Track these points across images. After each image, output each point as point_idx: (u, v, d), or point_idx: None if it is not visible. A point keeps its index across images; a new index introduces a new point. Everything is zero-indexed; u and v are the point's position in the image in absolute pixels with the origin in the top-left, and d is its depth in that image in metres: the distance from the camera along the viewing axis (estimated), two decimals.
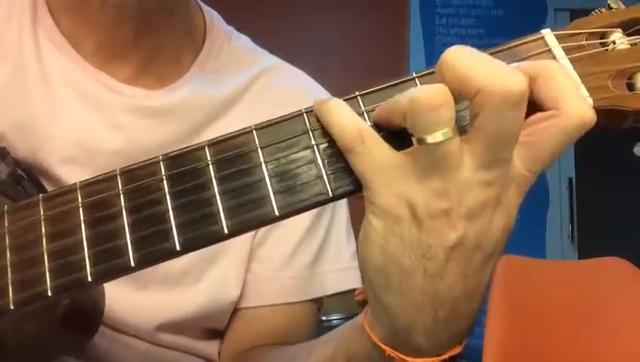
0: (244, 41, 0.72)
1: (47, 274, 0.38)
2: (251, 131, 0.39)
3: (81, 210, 0.39)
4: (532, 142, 0.35)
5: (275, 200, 0.37)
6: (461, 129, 0.35)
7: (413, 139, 0.34)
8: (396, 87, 0.39)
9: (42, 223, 0.39)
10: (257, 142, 0.38)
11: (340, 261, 0.70)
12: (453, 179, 0.34)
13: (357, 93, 0.39)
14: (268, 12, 3.06)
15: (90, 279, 0.37)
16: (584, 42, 0.39)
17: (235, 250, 0.65)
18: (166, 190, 0.38)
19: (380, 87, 0.39)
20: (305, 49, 2.84)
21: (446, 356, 0.38)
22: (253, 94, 0.67)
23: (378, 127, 0.38)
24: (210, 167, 0.38)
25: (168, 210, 0.37)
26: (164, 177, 0.38)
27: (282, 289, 0.67)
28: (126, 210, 0.38)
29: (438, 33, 3.25)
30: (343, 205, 0.72)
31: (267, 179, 0.37)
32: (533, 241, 3.06)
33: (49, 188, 0.57)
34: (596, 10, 0.40)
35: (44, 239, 0.39)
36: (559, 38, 0.39)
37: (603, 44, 0.39)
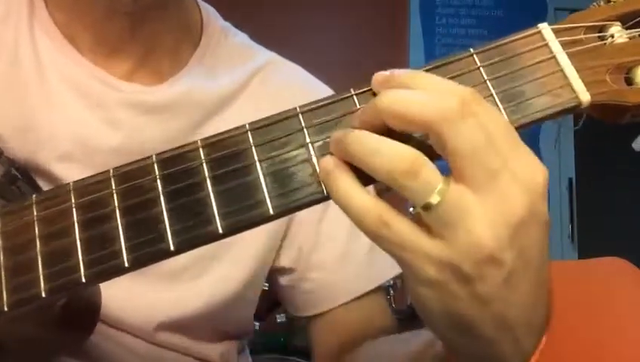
0: (240, 37, 0.72)
1: (41, 276, 0.38)
2: (246, 130, 0.38)
3: (74, 210, 0.38)
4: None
5: (270, 200, 0.37)
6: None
7: (415, 210, 0.34)
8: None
9: (36, 224, 0.39)
10: (252, 141, 0.38)
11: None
12: (475, 221, 0.33)
13: (352, 91, 0.39)
14: (267, 11, 3.06)
15: (84, 281, 0.37)
16: (582, 36, 0.38)
17: (238, 247, 0.64)
18: (160, 190, 0.38)
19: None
20: (304, 48, 2.83)
21: (537, 352, 0.38)
22: (253, 90, 0.67)
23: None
24: (204, 166, 0.38)
25: (162, 211, 0.37)
26: (157, 177, 0.38)
27: (350, 285, 0.68)
28: (120, 210, 0.38)
29: (438, 33, 3.25)
30: None
31: (262, 179, 0.37)
32: None
33: (46, 186, 0.56)
34: (595, 3, 0.40)
35: (37, 240, 0.38)
36: (556, 32, 0.39)
37: (601, 38, 0.38)
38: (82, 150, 0.58)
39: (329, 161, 0.36)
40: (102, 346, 0.59)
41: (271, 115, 0.39)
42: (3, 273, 0.38)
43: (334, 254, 0.68)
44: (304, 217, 0.66)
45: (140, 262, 0.37)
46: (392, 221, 0.35)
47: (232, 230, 0.37)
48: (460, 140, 0.33)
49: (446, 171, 0.34)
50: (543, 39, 0.39)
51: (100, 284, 0.47)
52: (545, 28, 0.39)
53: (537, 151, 3.22)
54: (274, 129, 0.38)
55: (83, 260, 0.37)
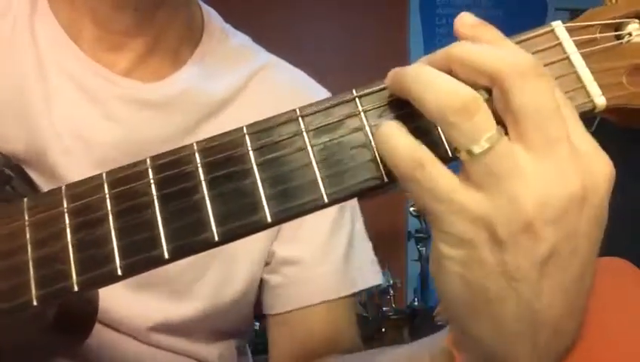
0: (240, 38, 0.72)
1: (33, 283, 0.37)
2: (243, 132, 0.37)
3: (66, 215, 0.38)
4: None
5: (268, 206, 0.35)
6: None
7: (460, 154, 0.32)
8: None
9: (27, 229, 0.38)
10: (249, 144, 0.37)
11: (366, 253, 0.71)
12: (522, 180, 0.31)
13: (355, 93, 0.37)
14: (267, 11, 3.05)
15: (76, 289, 0.36)
16: (597, 35, 0.37)
17: (235, 249, 0.64)
18: (154, 195, 0.37)
19: (379, 87, 0.38)
20: (304, 49, 2.83)
21: None
22: (251, 91, 0.67)
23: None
24: (200, 170, 0.37)
25: (157, 216, 0.36)
26: (152, 181, 0.37)
27: (321, 287, 0.66)
28: (113, 215, 0.37)
29: (438, 33, 3.25)
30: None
31: (259, 183, 0.36)
32: None
33: (47, 181, 0.57)
34: (610, 0, 0.38)
35: (29, 246, 0.38)
36: (570, 31, 0.37)
37: (618, 37, 0.37)
38: (82, 144, 0.58)
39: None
40: (98, 347, 0.59)
41: (269, 117, 0.37)
42: None
43: (311, 252, 0.67)
44: None
45: (132, 269, 0.36)
46: (429, 164, 0.32)
47: (228, 238, 0.36)
48: (526, 98, 0.31)
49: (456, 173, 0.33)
50: (556, 38, 0.37)
51: None
52: (558, 26, 0.37)
53: None
54: (273, 131, 0.37)
55: (75, 267, 0.36)
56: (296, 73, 0.74)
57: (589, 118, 0.36)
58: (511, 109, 0.31)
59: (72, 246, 0.37)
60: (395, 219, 2.97)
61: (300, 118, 0.37)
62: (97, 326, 0.56)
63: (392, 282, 2.36)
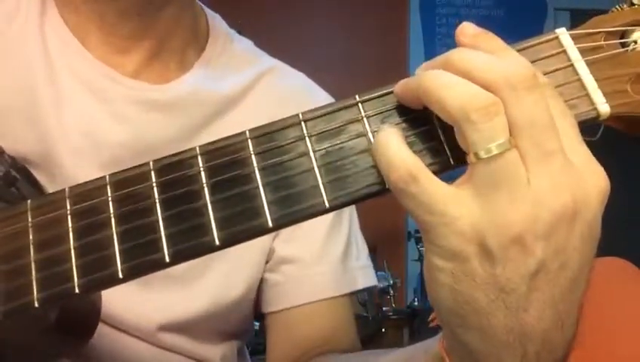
0: (245, 42, 0.73)
1: (34, 284, 0.37)
2: (245, 137, 0.37)
3: (69, 217, 0.38)
4: None
5: (269, 211, 0.35)
6: None
7: (469, 156, 0.32)
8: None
9: (30, 230, 0.38)
10: (251, 149, 0.37)
11: (362, 257, 0.71)
12: (520, 194, 0.31)
13: (357, 98, 0.37)
14: (267, 11, 3.05)
15: (77, 291, 0.36)
16: (602, 42, 0.36)
17: (239, 246, 0.64)
18: (156, 198, 0.37)
19: (382, 92, 0.37)
20: (305, 49, 2.83)
21: None
22: (256, 94, 0.68)
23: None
24: (202, 174, 0.37)
25: (158, 220, 0.36)
26: (154, 184, 0.37)
27: (318, 285, 0.67)
28: (115, 218, 0.37)
29: (438, 33, 3.25)
30: None
31: (261, 188, 0.36)
32: None
33: (54, 181, 0.57)
34: (616, 7, 0.37)
35: (31, 247, 0.38)
36: (575, 38, 0.37)
37: (623, 45, 0.36)
38: (91, 145, 0.59)
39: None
40: (102, 348, 0.59)
41: (272, 122, 0.37)
42: None
43: (309, 251, 0.67)
44: None
45: (134, 272, 0.36)
46: (423, 177, 0.32)
47: (229, 242, 0.36)
48: (520, 110, 0.31)
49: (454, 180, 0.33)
50: (561, 45, 0.37)
51: None
52: (563, 33, 0.37)
53: None
54: (275, 136, 0.37)
55: (77, 269, 0.36)
56: (300, 77, 0.74)
57: (594, 126, 0.36)
58: (510, 123, 0.32)
59: (74, 248, 0.37)
60: (395, 219, 2.97)
61: (302, 123, 0.37)
62: (102, 327, 0.56)
63: (392, 282, 2.36)
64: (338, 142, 0.36)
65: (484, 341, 0.33)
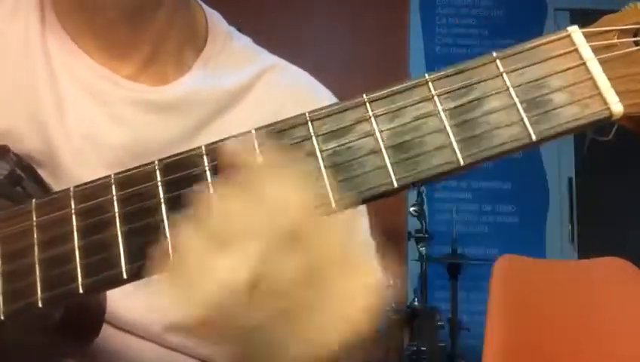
0: (244, 40, 0.72)
1: (38, 284, 0.37)
2: (252, 136, 0.37)
3: (74, 216, 0.37)
4: None
5: None
6: None
7: None
8: (406, 91, 0.37)
9: (35, 230, 0.38)
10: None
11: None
12: None
13: (365, 97, 0.37)
14: (267, 11, 3.05)
15: (81, 291, 0.36)
16: (615, 40, 0.36)
17: None
18: (161, 197, 0.37)
19: (390, 91, 0.37)
20: (305, 49, 2.83)
21: None
22: (257, 92, 0.68)
23: None
24: (207, 172, 0.37)
25: (164, 219, 0.36)
26: (159, 183, 0.37)
27: None
28: (120, 217, 0.37)
29: (438, 33, 3.25)
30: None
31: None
32: (533, 241, 3.06)
33: (58, 180, 0.56)
34: (630, 5, 0.37)
35: (35, 247, 0.37)
36: (587, 37, 0.36)
37: (637, 43, 0.36)
38: (92, 147, 0.59)
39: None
40: (106, 348, 0.58)
41: (279, 121, 0.37)
42: (1, 280, 0.38)
43: None
44: None
45: (139, 273, 0.36)
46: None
47: None
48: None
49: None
50: (573, 44, 0.36)
51: None
52: (575, 31, 0.36)
53: (538, 152, 3.24)
54: (282, 135, 0.37)
55: (81, 269, 0.36)
56: (301, 74, 0.74)
57: (607, 126, 0.36)
58: None
59: (79, 248, 0.37)
60: (395, 219, 2.97)
61: (309, 123, 0.37)
62: (107, 328, 0.56)
63: (392, 282, 2.36)
64: (346, 141, 0.36)
65: None
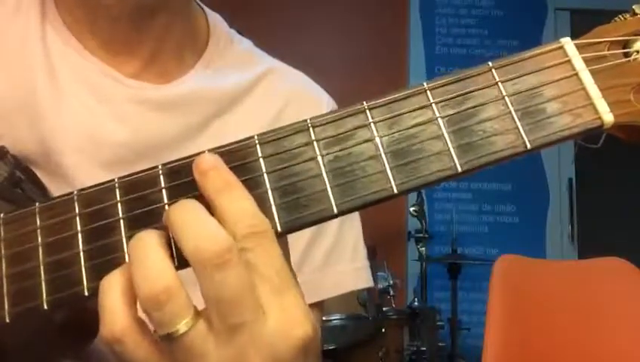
0: (245, 43, 0.73)
1: (44, 287, 0.37)
2: (254, 141, 0.37)
3: (78, 220, 0.38)
4: None
5: (278, 216, 0.36)
6: None
7: (159, 338, 0.34)
8: (405, 99, 0.38)
9: (39, 233, 0.38)
10: (260, 153, 0.37)
11: (358, 258, 0.71)
12: None
13: (365, 104, 0.38)
14: (267, 11, 3.05)
15: (87, 294, 0.37)
16: (606, 52, 0.37)
17: None
18: (165, 202, 0.37)
19: (389, 99, 0.38)
20: (305, 49, 2.83)
21: None
22: (258, 94, 0.68)
23: None
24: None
25: None
26: (163, 188, 0.37)
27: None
28: (124, 221, 0.37)
29: (438, 33, 3.25)
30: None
31: (269, 192, 0.36)
32: (533, 241, 3.07)
33: (55, 181, 0.56)
34: (620, 17, 0.38)
35: (40, 250, 0.38)
36: (579, 48, 0.37)
37: (626, 54, 0.37)
38: (91, 144, 0.59)
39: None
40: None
41: (280, 127, 0.38)
42: (5, 283, 0.38)
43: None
44: None
45: None
46: (130, 336, 0.35)
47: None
48: (207, 287, 0.33)
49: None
50: (566, 55, 0.37)
51: None
52: (568, 43, 0.37)
53: (537, 152, 3.23)
54: (284, 141, 0.37)
55: (86, 272, 0.37)
56: (301, 78, 0.74)
57: (596, 134, 0.37)
58: (202, 294, 0.34)
59: (84, 251, 0.37)
60: (395, 219, 2.98)
61: (310, 129, 0.37)
62: None
63: (392, 282, 2.36)
64: (346, 147, 0.37)
65: None
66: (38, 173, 0.56)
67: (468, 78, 0.37)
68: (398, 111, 0.37)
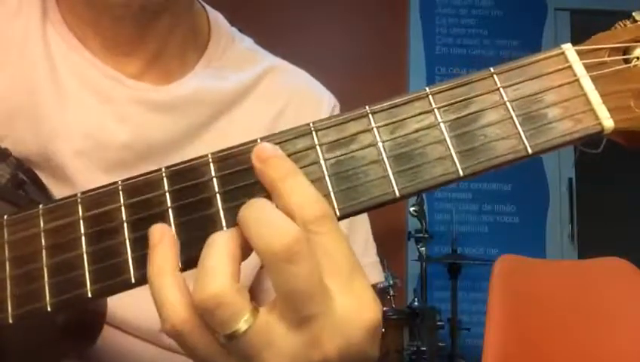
0: (247, 41, 0.73)
1: (47, 289, 0.37)
2: (257, 144, 0.38)
3: (81, 222, 0.38)
4: None
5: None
6: None
7: (221, 339, 0.34)
8: (407, 104, 0.38)
9: (42, 236, 0.38)
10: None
11: (370, 253, 0.73)
12: (274, 352, 0.34)
13: (367, 109, 0.38)
14: (268, 11, 3.05)
15: (90, 296, 0.37)
16: (606, 58, 0.37)
17: None
18: (169, 205, 0.37)
19: (391, 103, 0.38)
20: (305, 49, 2.83)
21: None
22: (260, 92, 0.68)
23: None
24: (214, 181, 0.37)
25: (171, 226, 0.37)
26: (167, 191, 0.38)
27: None
28: (127, 224, 0.37)
29: (438, 33, 3.25)
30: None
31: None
32: (533, 241, 3.07)
33: (57, 182, 0.57)
34: (620, 23, 0.38)
35: (44, 252, 0.38)
36: (580, 54, 0.37)
37: (626, 61, 0.37)
38: (93, 145, 0.59)
39: (155, 232, 0.36)
40: (106, 349, 0.58)
41: (283, 130, 0.38)
42: (9, 285, 0.38)
43: None
44: None
45: (146, 278, 0.37)
46: (190, 333, 0.35)
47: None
48: (279, 281, 0.34)
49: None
50: (567, 61, 0.37)
51: None
52: (569, 49, 0.38)
53: None
54: (286, 145, 0.37)
55: (89, 275, 0.37)
56: (303, 76, 0.74)
57: (596, 140, 0.37)
58: (273, 286, 0.34)
59: (87, 254, 0.37)
60: (395, 219, 2.98)
61: (313, 132, 0.38)
62: (106, 329, 0.57)
63: (392, 282, 2.37)
64: (349, 151, 0.37)
65: None
66: (40, 175, 0.56)
67: (470, 83, 0.38)
68: (400, 115, 0.37)
